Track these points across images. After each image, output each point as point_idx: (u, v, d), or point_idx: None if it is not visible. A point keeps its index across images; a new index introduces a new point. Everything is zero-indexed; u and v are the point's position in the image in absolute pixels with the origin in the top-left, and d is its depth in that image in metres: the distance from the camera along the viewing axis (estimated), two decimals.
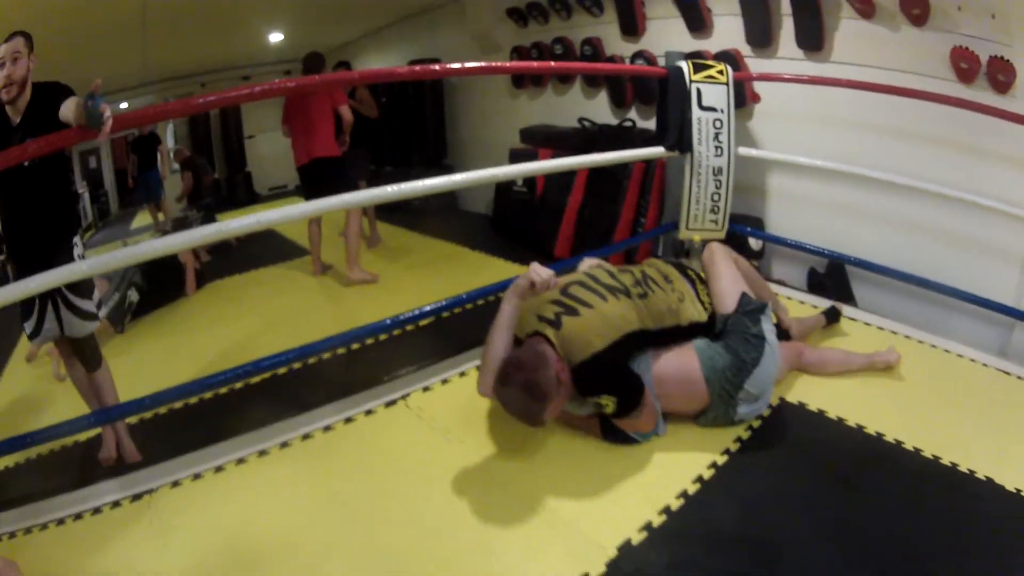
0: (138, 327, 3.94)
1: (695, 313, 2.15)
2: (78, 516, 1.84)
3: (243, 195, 8.39)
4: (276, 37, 6.95)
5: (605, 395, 1.88)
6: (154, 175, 7.10)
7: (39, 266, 1.80)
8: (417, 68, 2.19)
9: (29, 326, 2.22)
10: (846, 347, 2.61)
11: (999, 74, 2.86)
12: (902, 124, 3.29)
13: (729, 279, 2.26)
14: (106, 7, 4.35)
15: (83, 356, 2.36)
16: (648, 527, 1.68)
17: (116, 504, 1.88)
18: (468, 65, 2.56)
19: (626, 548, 1.61)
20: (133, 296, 4.03)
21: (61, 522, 1.82)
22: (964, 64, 2.96)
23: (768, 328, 2.13)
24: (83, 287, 2.20)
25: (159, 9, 4.69)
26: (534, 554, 1.62)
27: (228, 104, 1.63)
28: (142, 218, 7.50)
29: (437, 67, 2.29)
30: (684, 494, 1.80)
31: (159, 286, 4.21)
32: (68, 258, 2.08)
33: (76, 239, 2.19)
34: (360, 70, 1.98)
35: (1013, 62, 2.82)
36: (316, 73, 4.21)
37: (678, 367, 2.03)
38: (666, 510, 1.74)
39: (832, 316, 2.82)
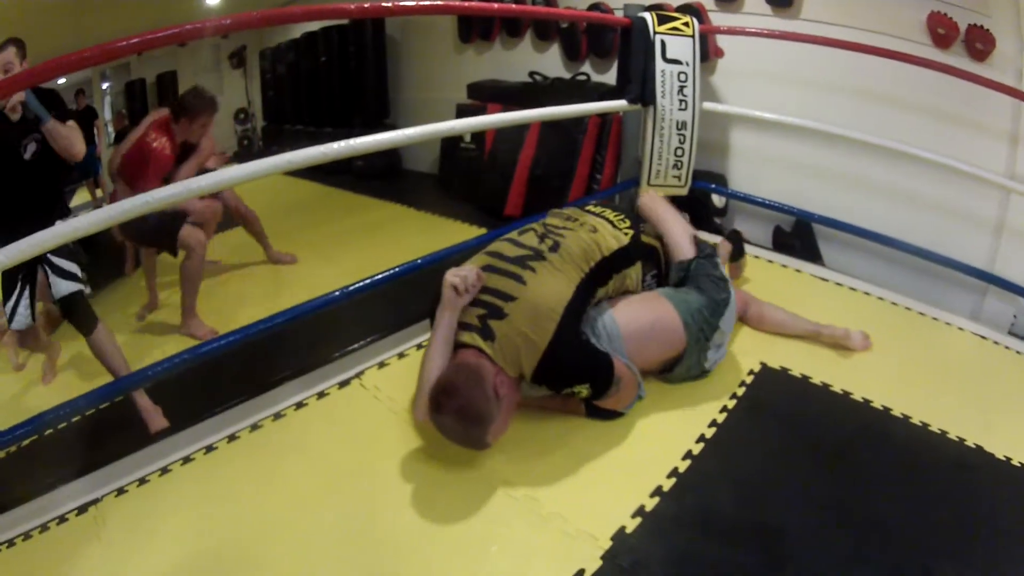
0: None
1: (613, 240, 2.01)
2: (27, 536, 1.64)
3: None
4: None
5: (576, 384, 1.76)
6: (91, 150, 6.68)
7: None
8: (367, 5, 1.96)
9: (8, 310, 2.48)
10: (811, 305, 2.52)
11: (977, 43, 2.88)
12: (873, 86, 3.24)
13: (680, 224, 2.25)
14: None
15: (75, 321, 2.47)
16: (641, 511, 1.57)
17: (63, 519, 1.68)
18: (423, 3, 2.37)
19: (620, 537, 1.50)
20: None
21: (11, 544, 1.62)
22: (941, 30, 2.96)
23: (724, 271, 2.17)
24: (63, 250, 2.40)
25: None
26: (522, 553, 1.48)
27: (149, 48, 1.46)
28: (81, 195, 7.03)
29: (389, 4, 2.07)
30: (675, 472, 1.70)
31: (99, 266, 3.98)
32: None
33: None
34: (307, 5, 1.78)
35: (992, 32, 2.81)
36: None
37: (653, 318, 1.96)
38: (658, 491, 1.64)
39: (736, 243, 2.76)
